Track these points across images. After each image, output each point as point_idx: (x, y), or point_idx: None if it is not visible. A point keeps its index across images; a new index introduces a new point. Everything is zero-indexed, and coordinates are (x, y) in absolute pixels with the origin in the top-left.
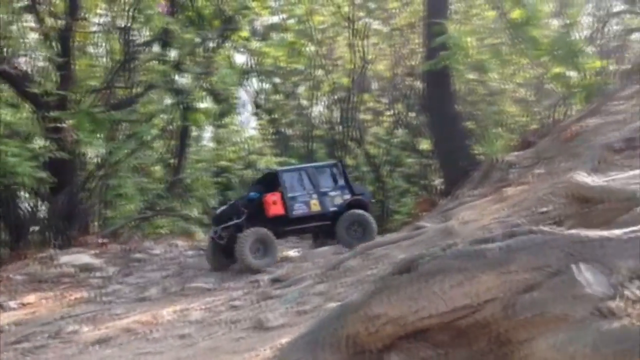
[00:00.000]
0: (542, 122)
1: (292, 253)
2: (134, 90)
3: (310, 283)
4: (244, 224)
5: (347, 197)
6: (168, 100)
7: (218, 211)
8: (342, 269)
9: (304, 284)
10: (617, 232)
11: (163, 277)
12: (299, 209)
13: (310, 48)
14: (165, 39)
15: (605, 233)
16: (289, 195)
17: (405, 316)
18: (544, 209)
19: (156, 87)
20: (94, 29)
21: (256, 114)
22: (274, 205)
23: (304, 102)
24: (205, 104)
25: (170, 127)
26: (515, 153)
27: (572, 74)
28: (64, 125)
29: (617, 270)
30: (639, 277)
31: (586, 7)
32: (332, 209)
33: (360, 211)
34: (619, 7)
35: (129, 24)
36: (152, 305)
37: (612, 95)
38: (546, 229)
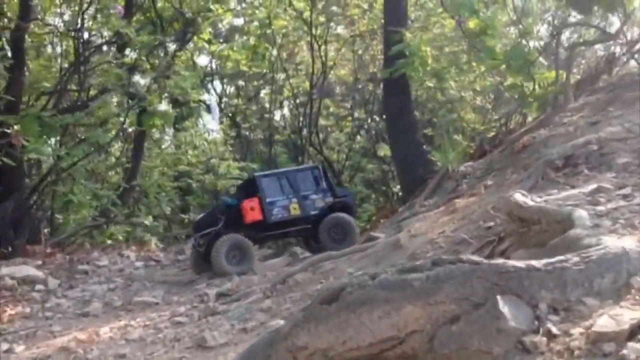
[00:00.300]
0: (498, 131)
1: None
2: (88, 94)
3: (257, 298)
4: (221, 231)
5: (329, 200)
6: (124, 104)
7: (197, 218)
8: (291, 283)
9: (250, 298)
10: (541, 262)
11: (108, 290)
12: (277, 214)
13: (272, 52)
14: (120, 41)
15: (530, 263)
16: (267, 200)
17: (332, 347)
18: (490, 224)
19: (110, 91)
20: (47, 30)
21: (219, 117)
22: (251, 211)
23: (266, 106)
24: (163, 107)
25: (126, 131)
26: (468, 163)
27: (527, 83)
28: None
29: (540, 302)
30: (562, 309)
31: (543, 16)
32: (313, 212)
33: (342, 214)
34: (574, 18)
35: (82, 26)
36: (93, 322)
37: (564, 106)
38: (473, 257)
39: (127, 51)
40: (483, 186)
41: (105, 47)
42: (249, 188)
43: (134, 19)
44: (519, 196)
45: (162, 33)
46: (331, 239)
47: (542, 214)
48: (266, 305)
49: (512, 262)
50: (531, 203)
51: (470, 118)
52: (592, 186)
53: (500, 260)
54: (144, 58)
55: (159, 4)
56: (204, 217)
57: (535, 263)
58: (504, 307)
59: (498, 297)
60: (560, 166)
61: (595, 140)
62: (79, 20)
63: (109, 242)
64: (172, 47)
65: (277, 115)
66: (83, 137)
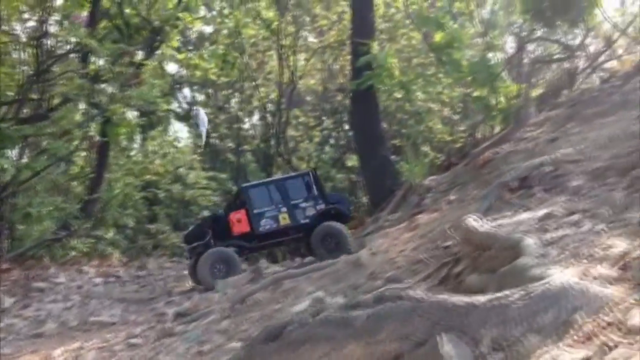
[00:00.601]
0: (465, 142)
1: None
2: (50, 103)
3: (215, 318)
4: (210, 244)
5: (321, 207)
6: (88, 114)
7: (187, 231)
8: (250, 303)
9: (209, 318)
10: (483, 297)
11: (64, 309)
12: (266, 225)
13: (242, 61)
14: (83, 50)
15: (472, 299)
16: (255, 211)
17: None
18: (448, 243)
19: (72, 100)
20: (9, 39)
21: (188, 126)
22: (238, 223)
23: (236, 115)
24: (128, 117)
25: (92, 140)
26: (433, 177)
27: (492, 96)
28: None
29: (482, 339)
30: (504, 347)
31: (509, 29)
32: (304, 221)
33: (333, 223)
34: (540, 31)
35: (44, 34)
36: (47, 343)
37: (526, 121)
38: (416, 294)
39: (91, 60)
40: (445, 202)
41: (69, 56)
42: (239, 199)
43: (101, 25)
44: (471, 221)
45: (129, 41)
46: (324, 249)
47: (492, 240)
48: (223, 326)
49: (454, 299)
50: (483, 228)
51: (439, 129)
52: (543, 211)
53: (442, 296)
54: (107, 67)
55: (126, 11)
56: (193, 229)
57: (477, 299)
58: (445, 346)
59: (439, 336)
60: (515, 187)
61: (550, 161)
62: (42, 29)
63: (73, 253)
64: (139, 55)
65: (247, 125)
66: (43, 149)
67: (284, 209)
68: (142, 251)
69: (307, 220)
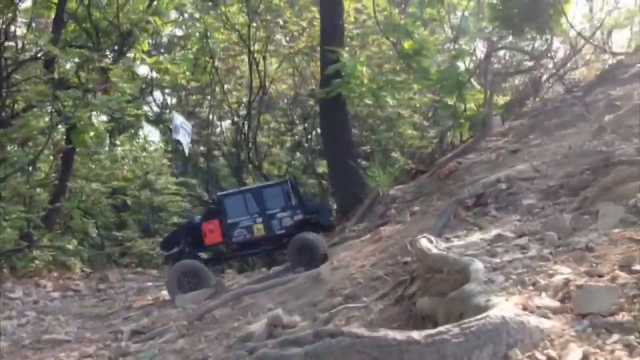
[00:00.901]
0: (434, 149)
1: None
2: (12, 110)
3: (172, 336)
4: (184, 252)
5: (299, 217)
6: (52, 120)
7: (164, 237)
8: (209, 320)
9: (165, 337)
10: (421, 333)
11: (18, 326)
12: (239, 236)
13: (212, 65)
14: (46, 56)
15: (411, 334)
16: (229, 221)
17: None
18: (407, 259)
19: (34, 107)
20: None
21: (159, 131)
22: (210, 233)
23: (207, 120)
24: (96, 122)
25: (54, 148)
26: (399, 186)
27: (460, 104)
28: None
29: None
30: None
31: (479, 35)
32: (280, 232)
33: (307, 234)
34: (508, 38)
35: (4, 40)
36: None
37: (492, 129)
38: (354, 330)
39: (56, 65)
40: (409, 212)
41: (33, 61)
42: (215, 208)
43: (70, 28)
44: (424, 242)
45: (98, 44)
46: (300, 261)
47: (443, 263)
48: (180, 345)
49: (393, 334)
50: (434, 250)
51: (409, 134)
52: (494, 232)
53: (381, 332)
54: (72, 73)
55: (95, 15)
56: (169, 236)
57: (415, 335)
58: None
59: None
60: (470, 205)
61: (505, 179)
62: (4, 33)
63: (36, 262)
64: (108, 58)
65: (217, 130)
66: (1, 157)
67: (260, 219)
68: (109, 259)
69: (283, 231)
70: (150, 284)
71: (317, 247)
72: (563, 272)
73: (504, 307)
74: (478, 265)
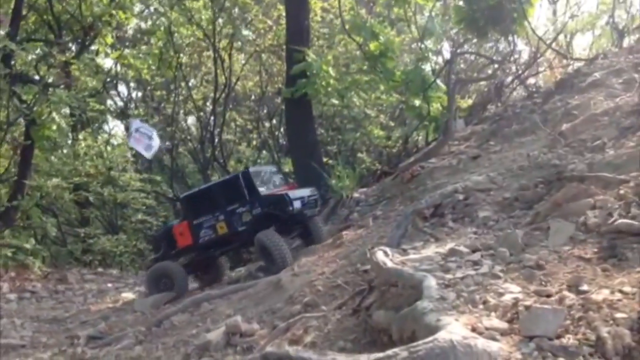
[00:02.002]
0: (399, 150)
1: (131, 295)
2: None
3: (129, 342)
4: (163, 256)
5: (257, 211)
6: (8, 116)
7: (152, 236)
8: (167, 326)
9: (122, 343)
10: (369, 357)
11: None
12: (205, 236)
13: (177, 61)
14: (4, 51)
15: (359, 358)
16: (195, 222)
17: None
18: (367, 267)
19: None
20: None
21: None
22: (181, 236)
23: (172, 116)
24: (56, 118)
25: (12, 144)
26: (362, 189)
27: (424, 105)
28: None
29: None
30: None
31: (445, 35)
32: (241, 228)
33: (263, 233)
34: (472, 42)
35: None
36: None
37: (455, 132)
38: (303, 353)
39: (14, 60)
40: (372, 217)
41: None
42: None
43: (31, 20)
44: (380, 255)
45: (59, 37)
46: (267, 262)
47: (398, 277)
48: (136, 352)
49: (341, 358)
50: (390, 264)
51: (376, 134)
52: (449, 245)
53: (329, 356)
54: (31, 67)
55: (56, 7)
56: (154, 236)
57: (363, 359)
58: None
59: None
60: (428, 215)
61: (462, 189)
62: None
63: None
64: (70, 52)
65: (183, 126)
66: None
67: (222, 217)
68: (71, 255)
69: (244, 227)
70: (110, 285)
71: (270, 248)
72: (513, 290)
73: (453, 328)
74: (431, 281)
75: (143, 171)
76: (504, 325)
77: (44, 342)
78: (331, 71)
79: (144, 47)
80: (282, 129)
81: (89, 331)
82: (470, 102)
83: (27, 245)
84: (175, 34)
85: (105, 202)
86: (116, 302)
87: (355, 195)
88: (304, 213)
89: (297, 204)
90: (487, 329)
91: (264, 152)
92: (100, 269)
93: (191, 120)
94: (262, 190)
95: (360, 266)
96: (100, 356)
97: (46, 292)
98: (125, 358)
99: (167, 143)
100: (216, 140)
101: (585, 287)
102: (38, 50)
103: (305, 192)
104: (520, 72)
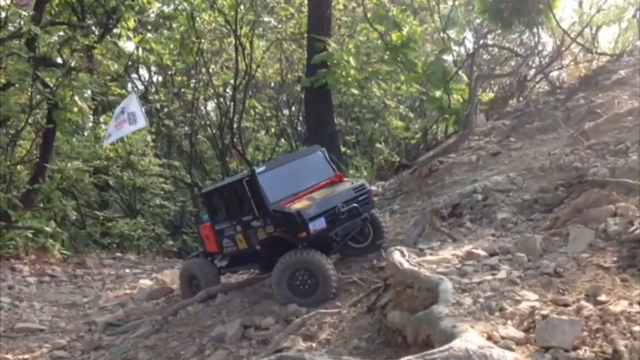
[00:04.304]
0: (418, 141)
1: (148, 282)
2: None
3: (146, 331)
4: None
5: (270, 229)
6: (32, 99)
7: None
8: (183, 315)
9: (139, 331)
10: None
11: None
12: (227, 246)
13: (199, 47)
14: (29, 35)
15: None
16: (216, 227)
17: None
18: (381, 264)
19: (13, 86)
20: None
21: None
22: (207, 240)
23: (192, 102)
24: (78, 102)
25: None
26: (380, 182)
27: (445, 97)
28: None
29: None
30: None
31: (469, 25)
32: (259, 247)
33: (311, 253)
34: (491, 39)
35: None
36: None
37: (475, 127)
38: (316, 356)
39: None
40: (389, 212)
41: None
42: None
43: (55, 2)
44: (397, 255)
45: (82, 19)
46: (292, 292)
47: (414, 279)
48: (152, 341)
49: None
50: (406, 265)
51: (395, 125)
52: (467, 247)
53: (343, 358)
54: (55, 51)
55: None
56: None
57: None
58: None
59: None
60: (446, 215)
61: (481, 190)
62: None
63: (15, 243)
64: (93, 35)
65: (203, 112)
66: None
67: (239, 228)
68: (89, 238)
69: (260, 248)
70: (128, 270)
71: (321, 274)
72: (530, 298)
73: (469, 337)
74: (447, 285)
75: (162, 156)
76: (520, 334)
77: (62, 327)
78: (352, 61)
79: (165, 32)
80: (300, 117)
81: (106, 318)
82: (491, 95)
83: (48, 229)
84: (198, 19)
85: (125, 185)
86: (133, 289)
87: (372, 188)
88: (330, 237)
89: (318, 224)
90: (502, 337)
91: (282, 140)
92: (118, 254)
93: (211, 106)
94: (280, 195)
95: (377, 262)
96: (117, 344)
97: (65, 276)
98: (142, 347)
99: (186, 128)
100: (235, 127)
101: (603, 298)
102: (61, 33)
103: (344, 192)
104: (544, 65)
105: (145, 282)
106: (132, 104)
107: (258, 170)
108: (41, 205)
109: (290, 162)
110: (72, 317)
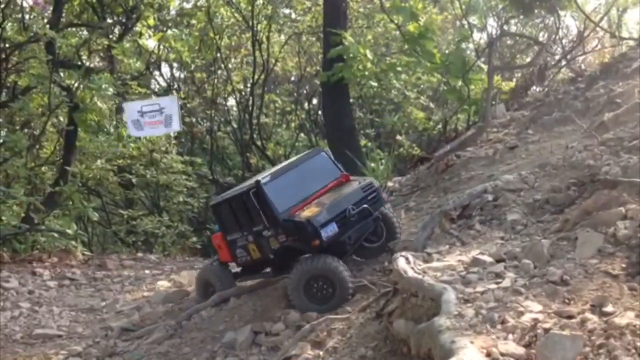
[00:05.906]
0: (438, 133)
1: (166, 283)
2: (13, 92)
3: (160, 337)
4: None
5: (282, 238)
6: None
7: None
8: (196, 320)
9: (153, 337)
10: None
11: (11, 318)
12: (241, 256)
13: (217, 43)
14: (47, 38)
15: None
16: (228, 238)
17: None
18: (392, 267)
19: (33, 89)
20: None
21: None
22: (220, 250)
23: (212, 99)
24: (99, 103)
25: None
26: (397, 178)
27: (464, 88)
28: None
29: None
30: None
31: (490, 13)
32: (272, 256)
33: (328, 259)
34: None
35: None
36: None
37: (494, 118)
38: None
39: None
40: (404, 209)
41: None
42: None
43: (75, 2)
44: (402, 262)
45: (103, 19)
46: (309, 299)
47: (418, 288)
48: (165, 347)
49: None
50: (411, 273)
51: (416, 116)
52: (473, 253)
53: None
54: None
55: None
56: None
57: None
58: None
59: None
60: (455, 217)
61: (491, 189)
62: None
63: (38, 246)
64: (113, 35)
65: (223, 108)
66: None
67: (251, 238)
68: (115, 236)
69: (274, 256)
70: (147, 272)
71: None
72: (533, 309)
73: (466, 354)
74: (450, 295)
75: (185, 153)
76: (520, 350)
77: (79, 333)
78: (368, 54)
79: (185, 30)
80: (320, 111)
81: (122, 322)
82: (512, 84)
83: (69, 231)
84: (216, 15)
85: (149, 183)
86: (151, 291)
87: (390, 184)
88: (343, 241)
89: (330, 230)
90: (502, 354)
91: (302, 134)
92: (139, 254)
93: (231, 102)
94: (289, 203)
95: (387, 265)
96: (131, 350)
97: (85, 279)
98: (155, 353)
99: (207, 124)
100: (254, 122)
101: (609, 308)
102: (82, 33)
103: (353, 193)
104: (565, 53)
105: (163, 284)
106: (172, 107)
107: (263, 180)
108: (65, 206)
109: (294, 168)
110: (90, 322)
